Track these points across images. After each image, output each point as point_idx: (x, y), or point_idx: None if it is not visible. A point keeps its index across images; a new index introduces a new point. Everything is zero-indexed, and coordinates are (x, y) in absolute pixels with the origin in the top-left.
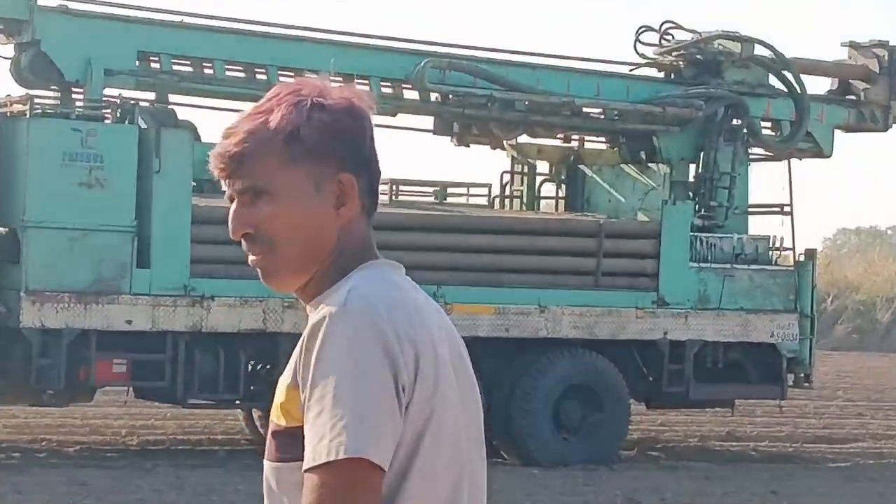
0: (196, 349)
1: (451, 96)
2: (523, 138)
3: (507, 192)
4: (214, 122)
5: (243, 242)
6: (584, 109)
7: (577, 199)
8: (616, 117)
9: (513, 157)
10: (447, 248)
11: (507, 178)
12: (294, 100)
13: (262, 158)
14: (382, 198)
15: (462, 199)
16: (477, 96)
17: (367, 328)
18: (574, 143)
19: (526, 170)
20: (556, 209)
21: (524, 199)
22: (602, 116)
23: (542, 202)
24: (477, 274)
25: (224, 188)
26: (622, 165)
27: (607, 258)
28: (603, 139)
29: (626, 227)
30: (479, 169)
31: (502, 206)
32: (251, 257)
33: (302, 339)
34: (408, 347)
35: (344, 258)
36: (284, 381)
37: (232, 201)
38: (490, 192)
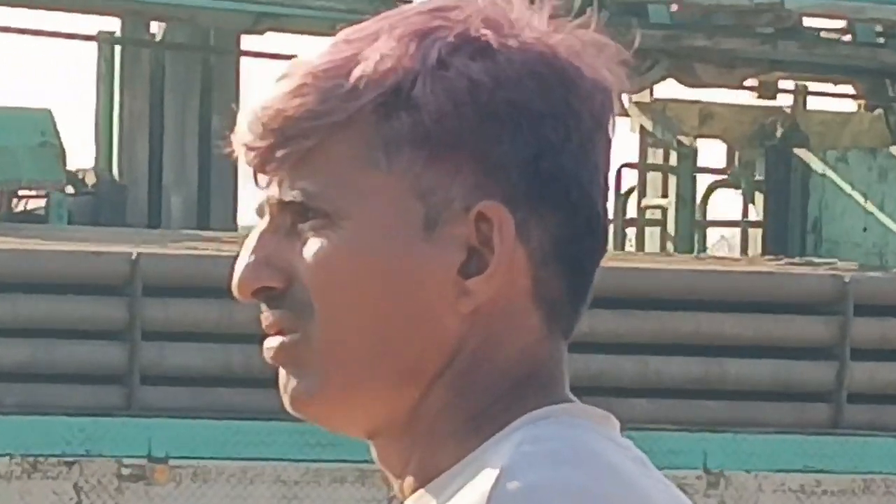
0: None
1: None
2: (667, 88)
3: (633, 213)
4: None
5: (263, 311)
6: (805, 22)
7: (789, 225)
8: (880, 41)
9: (643, 132)
10: None
11: (630, 178)
12: (424, 25)
13: (329, 139)
14: None
15: None
16: None
17: None
18: (783, 101)
19: (674, 159)
20: (744, 249)
21: (671, 226)
22: (846, 38)
23: (713, 234)
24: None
25: (260, 187)
26: (893, 150)
27: (861, 361)
28: (851, 91)
29: None
30: None
31: (619, 244)
32: (269, 343)
33: None
34: None
35: (483, 391)
36: None
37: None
38: None
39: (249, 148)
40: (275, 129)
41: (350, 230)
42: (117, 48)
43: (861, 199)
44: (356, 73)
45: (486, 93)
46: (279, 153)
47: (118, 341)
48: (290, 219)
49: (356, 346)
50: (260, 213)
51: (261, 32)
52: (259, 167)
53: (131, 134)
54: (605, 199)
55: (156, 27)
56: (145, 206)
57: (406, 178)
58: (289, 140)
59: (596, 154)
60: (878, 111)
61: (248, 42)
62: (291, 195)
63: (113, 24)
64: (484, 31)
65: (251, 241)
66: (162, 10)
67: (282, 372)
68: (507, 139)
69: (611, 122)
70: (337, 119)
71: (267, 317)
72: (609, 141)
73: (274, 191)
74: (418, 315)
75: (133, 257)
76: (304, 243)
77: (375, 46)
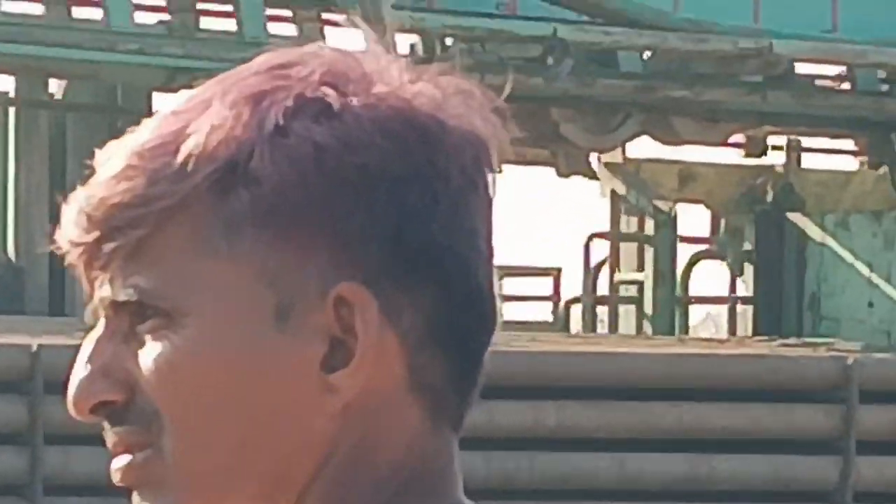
0: None
1: (448, 40)
2: (641, 146)
3: (605, 289)
4: None
5: (106, 427)
6: (798, 69)
7: (783, 301)
8: (883, 89)
9: (615, 196)
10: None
11: (601, 249)
12: (259, 88)
13: (162, 227)
14: None
15: None
16: (513, 37)
17: None
18: (774, 159)
19: (651, 228)
20: (732, 329)
21: (648, 304)
22: (845, 86)
23: (696, 312)
24: None
25: (87, 287)
26: None
27: (868, 455)
28: (852, 147)
29: None
30: (538, 232)
31: (590, 325)
32: (116, 463)
33: None
34: None
35: (359, 498)
36: None
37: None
38: (557, 285)
39: (74, 244)
40: (100, 219)
41: (192, 328)
42: (11, 110)
43: (865, 270)
44: (185, 148)
45: (333, 158)
46: (107, 247)
47: (17, 446)
48: (126, 321)
49: (214, 457)
50: (94, 316)
51: (175, 90)
52: (87, 265)
53: (28, 208)
54: (490, 267)
55: (55, 85)
56: (46, 290)
57: (251, 262)
58: (116, 231)
59: (472, 217)
60: (883, 169)
61: (160, 101)
62: (125, 294)
63: (6, 83)
64: (325, 90)
65: (85, 351)
66: (62, 65)
67: (135, 496)
68: (363, 209)
69: (489, 178)
70: (168, 203)
71: (111, 436)
72: (490, 200)
73: (106, 291)
74: (280, 417)
75: (33, 350)
76: (152, 349)
77: (206, 116)
